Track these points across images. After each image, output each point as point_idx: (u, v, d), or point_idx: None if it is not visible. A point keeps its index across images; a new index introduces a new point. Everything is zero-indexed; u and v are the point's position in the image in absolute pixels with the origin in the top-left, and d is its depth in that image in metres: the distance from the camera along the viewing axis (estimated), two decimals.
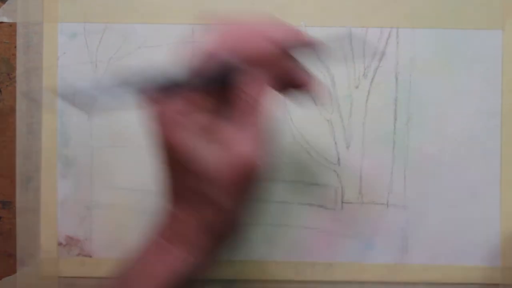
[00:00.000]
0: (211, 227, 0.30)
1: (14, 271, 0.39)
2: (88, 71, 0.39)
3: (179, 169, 0.29)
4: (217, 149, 0.29)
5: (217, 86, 0.29)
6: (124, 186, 0.39)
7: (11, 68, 0.39)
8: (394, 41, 0.39)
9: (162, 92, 0.28)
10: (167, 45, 0.39)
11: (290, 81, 0.31)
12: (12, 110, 0.39)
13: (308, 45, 0.31)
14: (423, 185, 0.39)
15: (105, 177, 0.39)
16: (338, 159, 0.39)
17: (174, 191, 0.31)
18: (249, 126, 0.29)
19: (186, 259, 0.30)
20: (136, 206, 0.39)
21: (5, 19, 0.39)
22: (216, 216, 0.29)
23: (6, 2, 0.39)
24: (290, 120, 0.39)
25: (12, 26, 0.39)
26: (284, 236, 0.39)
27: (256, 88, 0.29)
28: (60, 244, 0.39)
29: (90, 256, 0.39)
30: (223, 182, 0.28)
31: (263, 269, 0.39)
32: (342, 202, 0.39)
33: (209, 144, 0.29)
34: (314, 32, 0.39)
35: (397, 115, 0.39)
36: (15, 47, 0.39)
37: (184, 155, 0.28)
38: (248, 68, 0.29)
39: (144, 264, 0.31)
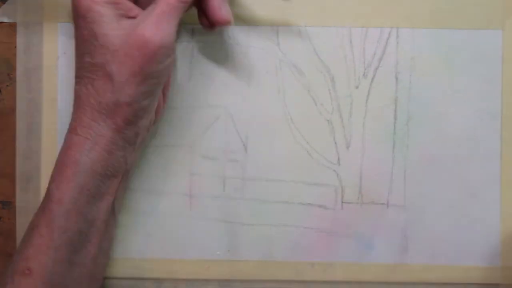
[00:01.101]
0: (108, 106, 0.31)
1: None
2: None
3: (83, 37, 0.32)
4: (123, 24, 0.31)
5: None
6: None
7: (11, 68, 0.39)
8: (394, 41, 0.39)
9: None
10: None
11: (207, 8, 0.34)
12: (12, 110, 0.39)
13: None
14: (423, 185, 0.39)
15: None
16: (338, 159, 0.39)
17: (77, 66, 0.33)
18: (158, 7, 0.31)
19: (91, 139, 0.32)
20: (136, 206, 0.39)
21: (5, 19, 0.39)
22: (112, 94, 0.31)
23: (6, 2, 0.39)
24: (290, 120, 0.39)
25: (12, 26, 0.39)
26: (284, 236, 0.39)
27: None
28: None
29: None
30: (120, 55, 0.31)
31: (263, 269, 0.39)
32: (342, 202, 0.39)
33: (117, 18, 0.32)
34: (314, 32, 0.39)
35: (397, 115, 0.39)
36: (15, 47, 0.39)
37: (88, 19, 0.31)
38: None
39: (57, 163, 0.33)
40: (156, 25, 0.31)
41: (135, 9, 0.33)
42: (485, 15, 0.39)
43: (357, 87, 0.39)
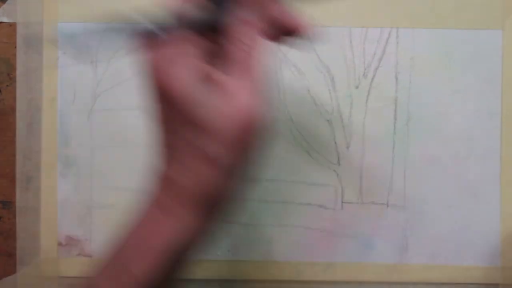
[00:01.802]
0: (208, 188, 0.27)
1: (14, 271, 0.39)
2: (88, 71, 0.39)
3: (175, 120, 0.27)
4: (217, 98, 0.26)
5: (208, 30, 0.27)
6: (124, 186, 0.39)
7: (11, 68, 0.39)
8: (394, 41, 0.39)
9: (154, 36, 0.26)
10: None
11: (282, 25, 0.29)
12: (12, 110, 0.39)
13: None
14: (423, 185, 0.39)
15: (105, 177, 0.39)
16: (338, 159, 0.39)
17: (168, 148, 0.28)
18: (247, 76, 0.27)
19: (181, 228, 0.27)
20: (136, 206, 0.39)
21: (5, 19, 0.39)
22: (214, 175, 0.27)
23: (6, 2, 0.39)
24: (290, 120, 0.39)
25: (12, 26, 0.39)
26: (284, 236, 0.39)
27: (250, 34, 0.27)
28: (60, 244, 0.39)
29: (90, 256, 0.39)
30: (223, 135, 0.26)
31: (263, 269, 0.39)
32: (342, 202, 0.39)
33: (208, 93, 0.26)
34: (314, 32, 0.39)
35: (397, 115, 0.39)
36: (15, 47, 0.39)
37: (182, 102, 0.26)
38: (240, 10, 0.27)
39: (137, 238, 0.28)
40: (253, 93, 0.26)
41: (214, 73, 0.27)
42: (485, 15, 0.39)
43: (357, 87, 0.39)
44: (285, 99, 0.39)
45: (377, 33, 0.39)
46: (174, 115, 0.27)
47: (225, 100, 0.26)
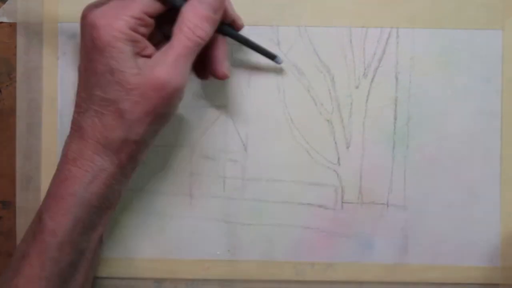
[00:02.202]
0: (114, 137, 0.31)
1: None
2: None
3: (96, 70, 0.31)
4: (139, 63, 0.31)
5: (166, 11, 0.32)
6: None
7: (11, 68, 0.39)
8: (394, 41, 0.39)
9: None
10: None
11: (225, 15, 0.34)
12: (12, 110, 0.39)
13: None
14: (423, 185, 0.39)
15: None
16: (338, 159, 0.39)
17: (83, 99, 0.32)
18: (173, 49, 0.31)
19: (89, 175, 0.31)
20: (136, 206, 0.39)
21: (5, 19, 0.39)
22: (120, 127, 0.31)
23: (6, 2, 0.39)
24: (290, 120, 0.39)
25: (12, 26, 0.39)
26: (284, 236, 0.39)
27: (196, 20, 0.31)
28: None
29: None
30: (136, 94, 0.30)
31: (263, 269, 0.39)
32: (342, 202, 0.39)
33: (134, 56, 0.31)
34: (314, 32, 0.39)
35: (397, 115, 0.39)
36: (15, 47, 0.39)
37: (106, 52, 0.30)
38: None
39: (50, 191, 0.32)
40: (174, 68, 0.31)
41: (149, 48, 0.32)
42: (485, 15, 0.39)
43: (357, 87, 0.39)
44: (285, 99, 0.39)
45: (377, 33, 0.39)
46: (96, 65, 0.30)
47: (147, 66, 0.31)
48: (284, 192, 0.39)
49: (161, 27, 0.33)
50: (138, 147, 0.32)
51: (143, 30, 0.31)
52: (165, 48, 0.31)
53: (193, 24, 0.31)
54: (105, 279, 0.39)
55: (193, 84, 0.39)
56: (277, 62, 0.37)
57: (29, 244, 0.31)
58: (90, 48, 0.31)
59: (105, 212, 0.33)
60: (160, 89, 0.30)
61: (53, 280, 0.31)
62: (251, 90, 0.39)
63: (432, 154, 0.39)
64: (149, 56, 0.31)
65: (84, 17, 0.31)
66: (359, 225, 0.39)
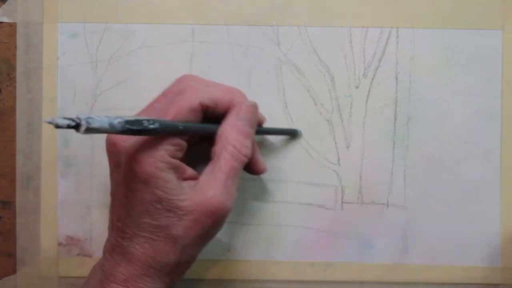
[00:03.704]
0: (164, 262, 0.30)
1: (14, 271, 0.39)
2: (88, 71, 0.39)
3: (142, 199, 0.30)
4: (184, 187, 0.30)
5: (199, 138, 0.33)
6: None
7: (11, 68, 0.39)
8: (394, 41, 0.39)
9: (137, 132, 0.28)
10: (167, 45, 0.39)
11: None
12: (12, 110, 0.39)
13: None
14: (423, 185, 0.39)
15: (105, 177, 0.39)
16: (338, 159, 0.39)
17: (129, 223, 0.31)
18: (222, 171, 0.31)
19: None
20: None
21: (5, 19, 0.39)
22: (172, 252, 0.30)
23: (6, 2, 0.39)
24: (290, 120, 0.39)
25: (12, 26, 0.39)
26: (284, 236, 0.39)
27: (239, 134, 0.32)
28: (60, 244, 0.39)
29: (90, 256, 0.39)
30: (189, 220, 0.30)
31: (263, 269, 0.39)
32: (342, 202, 0.39)
33: (179, 181, 0.30)
34: (314, 32, 0.39)
35: (397, 115, 0.39)
36: (15, 47, 0.39)
37: (153, 182, 0.30)
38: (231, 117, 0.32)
39: None
40: (226, 191, 0.30)
41: (188, 170, 0.31)
42: (485, 15, 0.39)
43: (357, 87, 0.39)
44: (285, 99, 0.39)
45: (377, 33, 0.39)
46: (141, 195, 0.30)
47: (196, 190, 0.30)
48: (284, 192, 0.39)
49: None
50: (188, 266, 0.32)
51: (180, 154, 0.31)
52: (211, 170, 0.31)
53: (238, 142, 0.31)
54: None
55: None
56: (298, 135, 0.39)
57: None
58: (130, 179, 0.30)
59: None
60: (214, 214, 0.30)
61: None
62: (251, 90, 0.39)
63: (432, 154, 0.39)
64: (190, 178, 0.31)
65: (115, 146, 0.31)
66: (359, 225, 0.39)
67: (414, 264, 0.39)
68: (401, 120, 0.39)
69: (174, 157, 0.30)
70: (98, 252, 0.39)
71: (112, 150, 0.31)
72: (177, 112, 0.30)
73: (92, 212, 0.39)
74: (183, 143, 0.31)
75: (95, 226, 0.39)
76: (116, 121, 0.26)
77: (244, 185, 0.39)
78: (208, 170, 0.31)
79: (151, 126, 0.28)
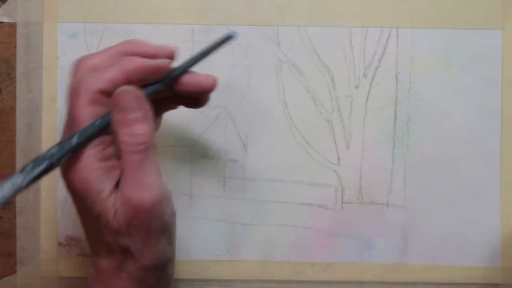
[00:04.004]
0: (132, 272, 0.30)
1: (14, 271, 0.39)
2: None
3: (84, 212, 0.30)
4: (117, 194, 0.29)
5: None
6: None
7: (11, 68, 0.39)
8: (394, 41, 0.39)
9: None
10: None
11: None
12: (12, 110, 0.39)
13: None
14: (423, 185, 0.39)
15: None
16: (338, 159, 0.39)
17: (90, 240, 0.31)
18: (127, 168, 0.29)
19: None
20: None
21: (5, 19, 0.39)
22: (136, 262, 0.29)
23: (6, 2, 0.39)
24: (290, 120, 0.39)
25: (12, 26, 0.39)
26: (284, 236, 0.39)
27: (122, 127, 0.29)
28: (60, 244, 0.39)
29: None
30: (125, 229, 0.28)
31: (263, 269, 0.39)
32: (342, 202, 0.39)
33: (113, 186, 0.29)
34: (314, 32, 0.39)
35: (397, 115, 0.39)
36: (15, 47, 0.39)
37: (84, 196, 0.28)
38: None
39: None
40: (141, 187, 0.28)
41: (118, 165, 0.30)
42: (485, 15, 0.39)
43: (357, 87, 0.39)
44: (285, 99, 0.39)
45: (377, 33, 0.39)
46: (82, 208, 0.29)
47: (118, 197, 0.28)
48: (284, 192, 0.39)
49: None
50: (162, 264, 0.31)
51: (109, 151, 0.29)
52: (123, 170, 0.29)
53: (127, 136, 0.29)
54: None
55: None
56: (235, 38, 0.34)
57: None
58: (74, 200, 0.30)
59: None
60: (140, 211, 0.28)
61: None
62: (251, 90, 0.39)
63: (432, 154, 0.39)
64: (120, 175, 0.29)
65: (65, 180, 0.30)
66: (359, 225, 0.39)
67: (414, 264, 0.39)
68: (401, 120, 0.39)
69: (105, 160, 0.29)
70: None
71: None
72: (80, 114, 0.28)
73: None
74: (104, 145, 0.29)
75: None
76: (18, 180, 0.27)
77: (244, 185, 0.39)
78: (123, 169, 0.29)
79: (51, 153, 0.28)
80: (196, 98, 0.33)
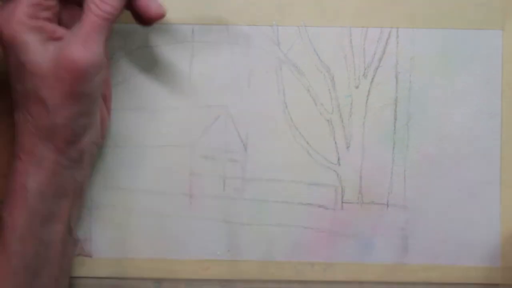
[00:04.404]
0: (46, 130, 0.31)
1: None
2: None
3: (11, 65, 0.31)
4: (49, 47, 0.31)
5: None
6: (124, 186, 0.39)
7: None
8: (394, 41, 0.39)
9: None
10: (167, 45, 0.39)
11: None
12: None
13: None
14: (423, 185, 0.39)
15: (105, 177, 0.39)
16: (338, 159, 0.39)
17: (14, 95, 0.32)
18: (83, 27, 0.31)
19: (35, 164, 0.32)
20: (136, 206, 0.39)
21: None
22: (47, 117, 0.31)
23: None
24: (290, 120, 0.39)
25: None
26: (284, 236, 0.39)
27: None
28: None
29: (90, 256, 0.39)
30: (50, 79, 0.30)
31: (263, 269, 0.39)
32: (342, 202, 0.39)
33: (42, 42, 0.31)
34: (314, 32, 0.39)
35: (397, 115, 0.39)
36: None
37: (13, 46, 0.30)
38: None
39: (7, 190, 0.33)
40: (83, 45, 0.30)
41: (59, 30, 0.32)
42: (485, 15, 0.39)
43: (357, 87, 0.39)
44: (285, 99, 0.39)
45: (377, 33, 0.39)
46: (9, 60, 0.31)
47: (57, 48, 0.31)
48: (284, 192, 0.39)
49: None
50: (71, 130, 0.32)
51: (46, 14, 0.31)
52: (74, 28, 0.31)
53: (98, 0, 0.31)
54: (105, 279, 0.39)
55: (194, 84, 0.39)
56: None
57: None
58: (1, 46, 0.31)
59: (62, 200, 0.33)
60: (72, 69, 0.30)
61: (20, 273, 0.31)
62: (251, 90, 0.39)
63: (432, 154, 0.39)
64: (60, 39, 0.31)
65: None
66: (359, 225, 0.39)
67: (414, 264, 0.39)
68: (401, 120, 0.39)
69: (36, 18, 0.30)
70: (98, 252, 0.39)
71: None
72: None
73: (92, 212, 0.39)
74: (46, 2, 0.31)
75: (95, 226, 0.39)
76: None
77: (244, 185, 0.39)
78: (73, 28, 0.31)
79: None
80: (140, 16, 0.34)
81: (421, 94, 0.39)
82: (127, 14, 0.39)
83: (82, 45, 0.30)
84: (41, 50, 0.30)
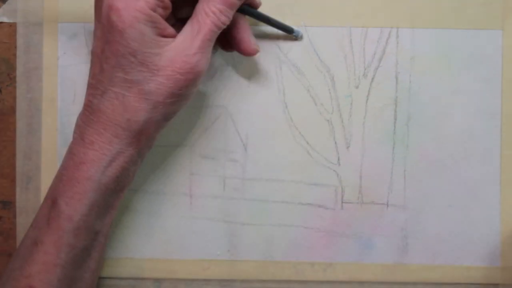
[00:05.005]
0: (134, 123, 0.31)
1: None
2: (88, 71, 0.39)
3: (116, 53, 0.30)
4: (162, 43, 0.31)
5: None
6: None
7: (11, 68, 0.39)
8: (394, 41, 0.39)
9: None
10: None
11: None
12: (12, 110, 0.39)
13: None
14: (423, 185, 0.39)
15: None
16: (338, 159, 0.39)
17: (102, 78, 0.31)
18: (200, 33, 0.31)
19: (103, 164, 0.31)
20: (136, 206, 0.39)
21: (5, 19, 0.39)
22: (143, 109, 0.31)
23: (6, 2, 0.39)
24: (290, 120, 0.39)
25: (12, 26, 0.39)
26: (284, 236, 0.39)
27: (222, 2, 0.32)
28: None
29: None
30: (162, 76, 0.30)
31: (263, 269, 0.39)
32: (342, 202, 0.39)
33: (155, 36, 0.31)
34: (314, 32, 0.39)
35: (397, 115, 0.39)
36: (15, 47, 0.39)
37: (129, 35, 0.30)
38: None
39: (63, 174, 0.32)
40: (201, 52, 0.31)
41: (169, 29, 0.32)
42: (485, 15, 0.39)
43: (357, 87, 0.39)
44: (285, 99, 0.39)
45: (377, 33, 0.39)
46: (116, 47, 0.30)
47: (172, 48, 0.31)
48: (284, 192, 0.39)
49: (175, 10, 0.34)
50: (158, 127, 0.32)
51: (161, 11, 0.31)
52: (190, 31, 0.31)
53: (218, 9, 0.31)
54: (105, 279, 0.39)
55: None
56: (295, 36, 0.38)
57: (43, 230, 0.31)
58: (107, 30, 0.30)
59: (119, 194, 0.33)
60: (188, 73, 0.31)
61: (67, 267, 0.31)
62: (251, 90, 0.39)
63: (432, 154, 0.39)
64: (169, 37, 0.31)
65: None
66: (359, 225, 0.39)
67: (414, 264, 0.39)
68: (401, 120, 0.39)
69: (154, 11, 0.31)
70: None
71: (96, 4, 0.32)
72: None
73: None
74: (166, 1, 0.31)
75: None
76: None
77: (244, 185, 0.39)
78: (186, 30, 0.32)
79: None
80: (231, 46, 0.36)
81: (421, 94, 0.39)
82: None
83: (200, 51, 0.31)
84: (154, 43, 0.30)
